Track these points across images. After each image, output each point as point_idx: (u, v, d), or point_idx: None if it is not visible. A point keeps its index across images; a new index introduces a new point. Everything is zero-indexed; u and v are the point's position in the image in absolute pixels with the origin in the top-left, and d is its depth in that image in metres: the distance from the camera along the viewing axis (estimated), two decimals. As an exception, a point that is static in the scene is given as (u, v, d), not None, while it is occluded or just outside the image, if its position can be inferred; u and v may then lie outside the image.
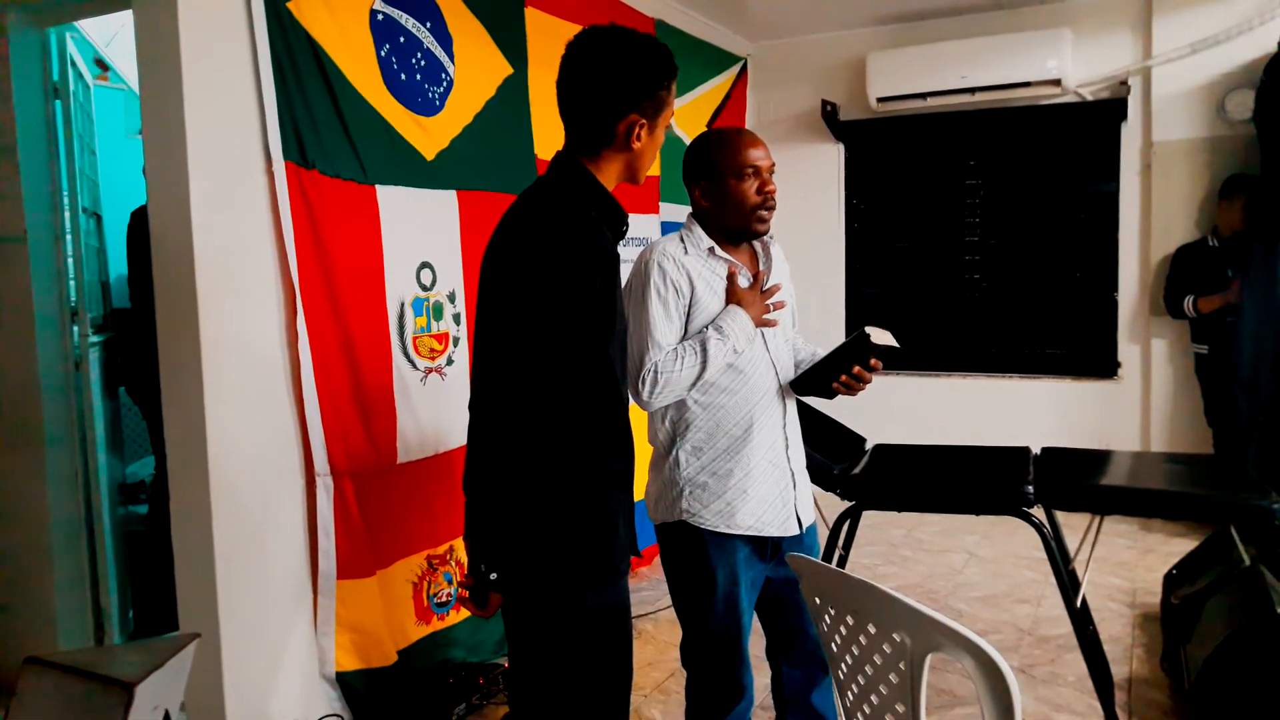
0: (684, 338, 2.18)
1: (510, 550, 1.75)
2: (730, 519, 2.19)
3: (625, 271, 2.08)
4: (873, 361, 2.19)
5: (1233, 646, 2.78)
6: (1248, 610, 2.87)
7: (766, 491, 2.22)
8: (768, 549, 2.26)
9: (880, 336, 2.17)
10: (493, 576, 1.75)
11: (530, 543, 1.75)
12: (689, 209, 2.31)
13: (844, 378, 2.19)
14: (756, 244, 2.32)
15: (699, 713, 2.33)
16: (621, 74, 1.78)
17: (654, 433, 2.30)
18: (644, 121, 1.81)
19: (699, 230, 2.24)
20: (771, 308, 2.22)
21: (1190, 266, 5.09)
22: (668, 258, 2.18)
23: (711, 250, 2.22)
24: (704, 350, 2.12)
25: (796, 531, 2.27)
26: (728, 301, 2.19)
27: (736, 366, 2.19)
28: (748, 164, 2.17)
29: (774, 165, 2.22)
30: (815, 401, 2.48)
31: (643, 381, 2.13)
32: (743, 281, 2.24)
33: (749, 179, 2.17)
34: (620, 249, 1.82)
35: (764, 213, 2.20)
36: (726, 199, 2.19)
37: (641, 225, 4.81)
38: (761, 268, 2.30)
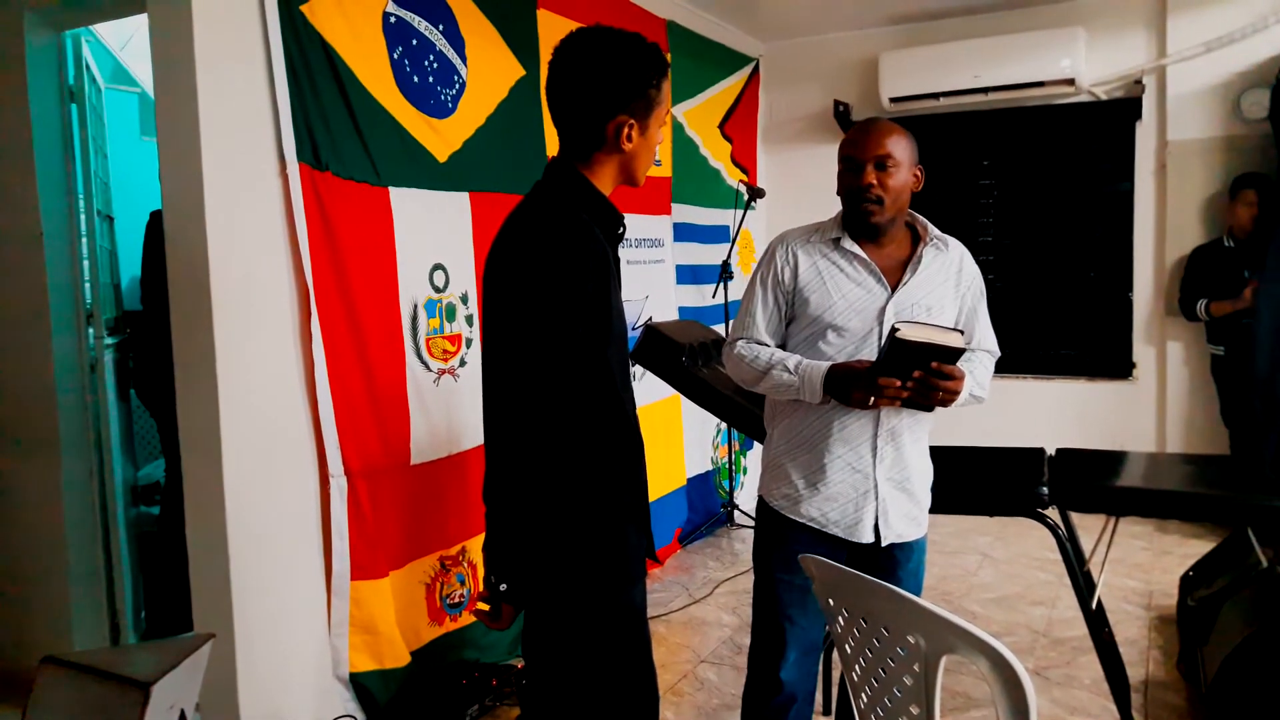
0: (792, 321, 2.24)
1: (519, 561, 1.75)
2: (794, 506, 2.22)
3: (627, 274, 2.08)
4: (936, 365, 1.98)
5: (1250, 649, 2.76)
6: (1265, 612, 2.85)
7: (837, 491, 2.19)
8: (842, 555, 2.19)
9: (922, 333, 1.95)
10: (502, 588, 1.75)
11: (539, 551, 1.74)
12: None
13: (909, 384, 2.00)
14: (920, 247, 2.23)
15: (744, 698, 2.39)
16: (607, 75, 1.75)
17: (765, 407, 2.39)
18: (634, 122, 1.78)
19: (835, 221, 2.26)
20: (876, 399, 2.04)
21: (1206, 268, 5.05)
22: (783, 244, 2.26)
23: (837, 241, 2.21)
24: (770, 368, 2.17)
25: (868, 540, 2.19)
26: (840, 365, 2.10)
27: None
28: (848, 155, 2.19)
29: (885, 156, 2.14)
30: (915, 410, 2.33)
31: (726, 352, 2.30)
32: (857, 293, 2.17)
33: (849, 172, 2.19)
34: (625, 251, 1.81)
35: (866, 205, 2.15)
36: (839, 189, 2.23)
37: (653, 227, 4.81)
38: (906, 272, 2.20)
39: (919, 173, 2.22)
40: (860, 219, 2.18)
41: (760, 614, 2.32)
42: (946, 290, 2.25)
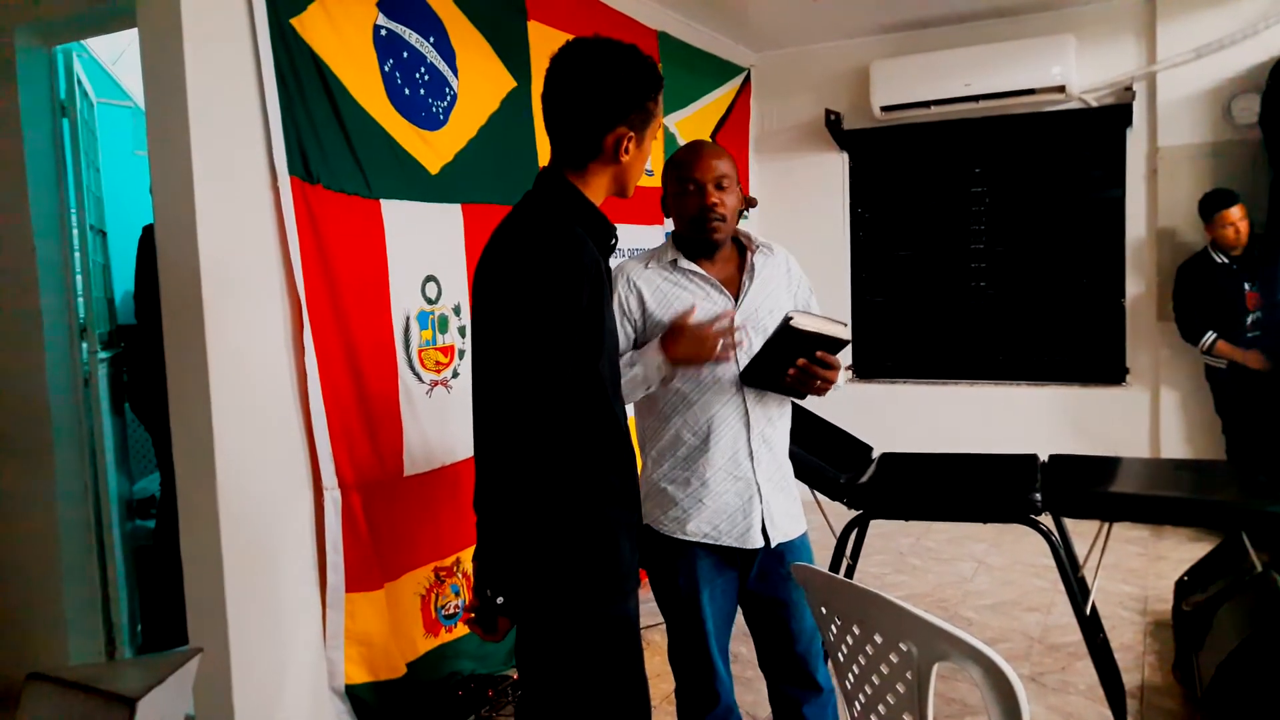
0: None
1: (514, 573, 1.74)
2: (684, 526, 2.22)
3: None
4: (821, 355, 2.09)
5: (1245, 653, 2.76)
6: (1260, 617, 2.85)
7: (725, 503, 2.21)
8: (737, 560, 2.26)
9: (814, 323, 2.04)
10: (499, 601, 1.74)
11: (532, 563, 1.74)
12: None
13: (792, 371, 2.11)
14: (748, 255, 2.30)
15: (680, 715, 2.38)
16: (608, 86, 1.76)
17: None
18: (632, 134, 1.79)
19: (669, 244, 2.29)
20: (720, 343, 2.11)
21: (1201, 284, 4.96)
22: (622, 275, 2.24)
23: (674, 263, 2.24)
24: None
25: (759, 545, 2.23)
26: (669, 331, 2.14)
27: (696, 377, 2.19)
28: (686, 178, 2.21)
29: (722, 177, 2.20)
30: (821, 410, 2.43)
31: None
32: (705, 306, 2.21)
33: (691, 194, 2.20)
34: (617, 261, 1.81)
35: (713, 224, 2.20)
36: (674, 211, 2.26)
37: (647, 236, 4.81)
38: (744, 280, 2.27)
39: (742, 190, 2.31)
40: (706, 236, 2.22)
41: (683, 638, 2.31)
42: (780, 291, 2.33)
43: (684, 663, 2.33)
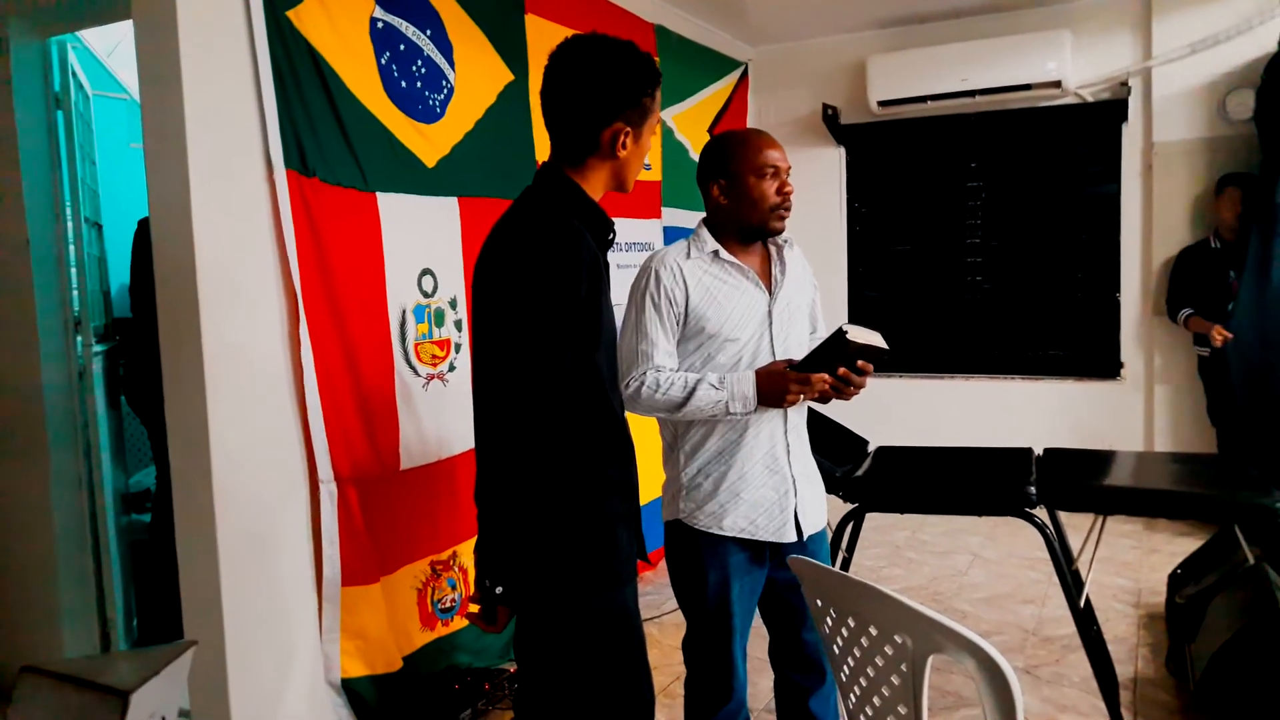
0: (680, 342, 2.21)
1: (512, 563, 1.75)
2: (721, 521, 2.21)
3: (618, 278, 2.09)
4: (860, 364, 2.10)
5: (1238, 645, 2.77)
6: (1252, 609, 2.87)
7: (762, 496, 2.22)
8: (765, 553, 2.27)
9: (862, 335, 2.07)
10: (498, 591, 1.75)
11: (529, 554, 1.75)
12: (698, 214, 2.33)
13: (830, 379, 2.10)
14: (770, 248, 2.31)
15: (691, 708, 2.37)
16: (605, 82, 1.78)
17: (661, 431, 2.34)
18: (629, 129, 1.81)
19: (706, 234, 2.25)
20: (806, 394, 2.09)
21: (1192, 269, 5.08)
22: (665, 266, 2.20)
23: (716, 254, 2.22)
24: (692, 392, 2.12)
25: (794, 539, 2.25)
26: (762, 370, 2.13)
27: (737, 370, 2.18)
28: (768, 163, 2.19)
29: (790, 168, 2.23)
30: (813, 404, 2.44)
31: (626, 386, 2.16)
32: (744, 300, 2.20)
33: (769, 178, 2.19)
34: (616, 255, 1.82)
35: (782, 211, 2.21)
36: (746, 196, 2.21)
37: (644, 230, 4.82)
38: (775, 273, 2.28)
39: None
40: (773, 223, 2.22)
41: (705, 631, 2.29)
42: (805, 284, 2.36)
43: (702, 656, 2.32)
